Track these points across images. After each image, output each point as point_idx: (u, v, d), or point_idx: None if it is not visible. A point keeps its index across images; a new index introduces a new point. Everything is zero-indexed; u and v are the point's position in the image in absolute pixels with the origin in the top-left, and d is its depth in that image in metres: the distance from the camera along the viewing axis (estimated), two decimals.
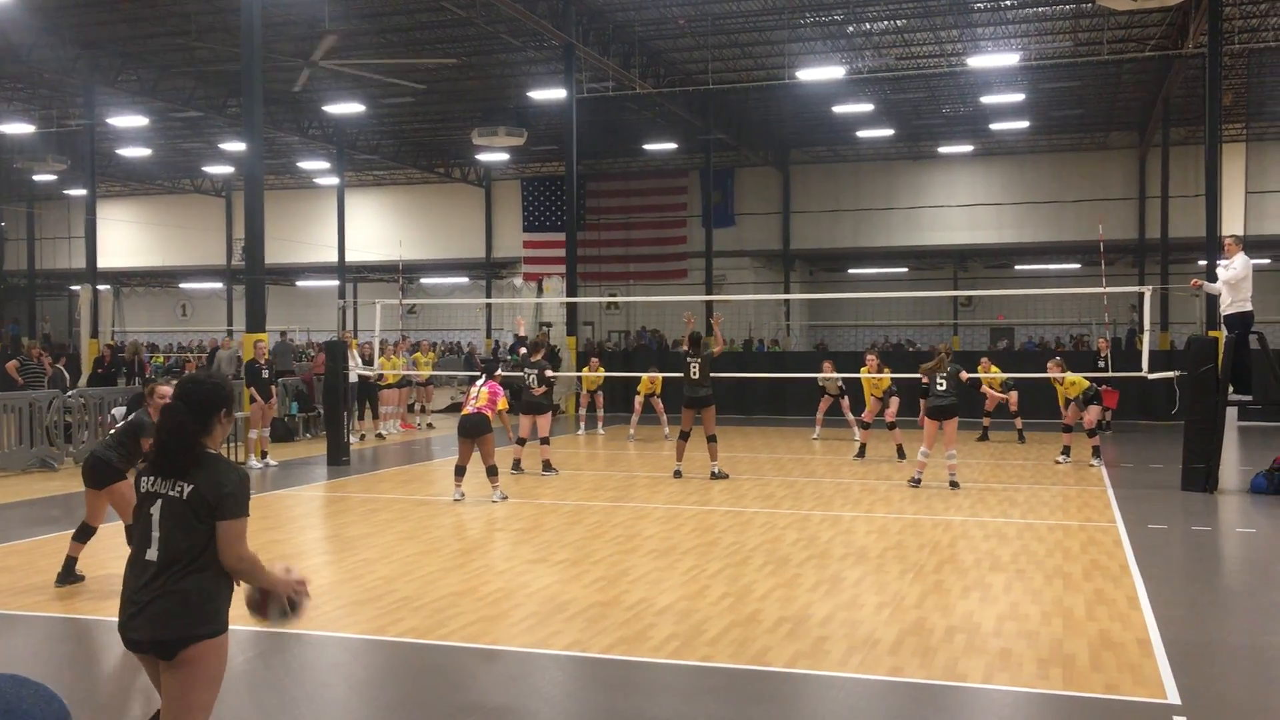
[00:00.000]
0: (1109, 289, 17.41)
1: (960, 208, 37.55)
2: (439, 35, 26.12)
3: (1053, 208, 36.36)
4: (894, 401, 17.29)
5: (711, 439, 14.66)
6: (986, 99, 29.79)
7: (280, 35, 23.93)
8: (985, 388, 16.16)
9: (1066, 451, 16.32)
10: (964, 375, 13.97)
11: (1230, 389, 13.55)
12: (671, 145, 35.60)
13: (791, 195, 39.27)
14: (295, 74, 25.89)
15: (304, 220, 42.94)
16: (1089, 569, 9.00)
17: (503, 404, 12.94)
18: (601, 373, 21.17)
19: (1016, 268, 39.64)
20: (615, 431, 21.69)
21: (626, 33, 25.74)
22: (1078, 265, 37.85)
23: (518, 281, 41.30)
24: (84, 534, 8.64)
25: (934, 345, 14.65)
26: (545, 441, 15.38)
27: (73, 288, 42.00)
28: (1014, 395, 18.66)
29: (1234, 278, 13.18)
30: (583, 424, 21.70)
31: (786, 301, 38.20)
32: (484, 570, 9.09)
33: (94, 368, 23.67)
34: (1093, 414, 16.19)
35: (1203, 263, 22.12)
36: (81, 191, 32.10)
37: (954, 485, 13.55)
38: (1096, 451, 16.11)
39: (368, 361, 20.49)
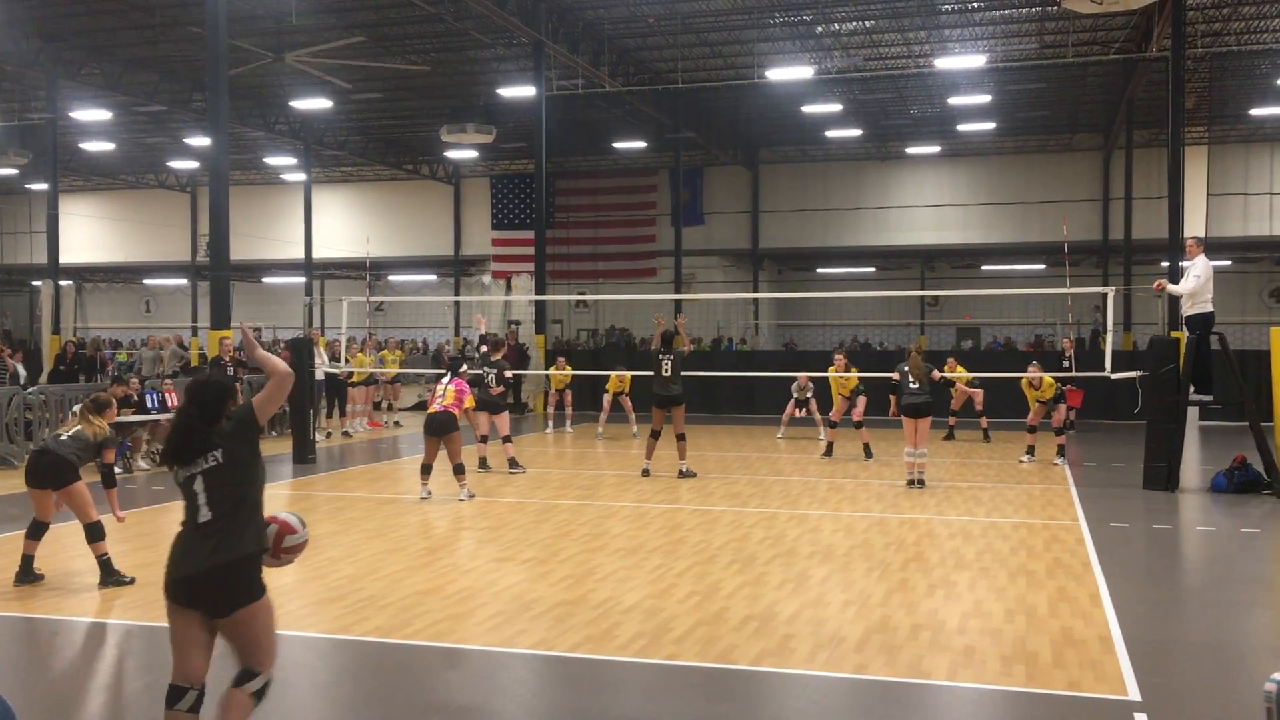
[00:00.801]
0: (1073, 290, 17.56)
1: (927, 208, 37.78)
2: (407, 31, 25.98)
3: (1018, 209, 36.66)
4: (861, 401, 17.39)
5: (680, 438, 14.68)
6: (954, 100, 30.00)
7: (246, 29, 23.72)
8: (959, 386, 16.26)
9: (1031, 451, 16.47)
10: (935, 374, 14.08)
11: (1191, 389, 13.71)
12: (641, 144, 35.59)
13: (760, 194, 39.37)
14: (260, 68, 25.70)
15: (270, 216, 42.59)
16: (1052, 567, 9.09)
17: (469, 402, 12.89)
18: (569, 371, 21.13)
19: (983, 268, 39.93)
20: (584, 430, 21.66)
21: (596, 30, 25.71)
22: (1043, 266, 38.17)
23: (486, 279, 41.17)
24: (37, 531, 8.51)
25: (906, 346, 14.73)
26: (507, 440, 15.35)
27: (34, 283, 41.43)
28: (979, 394, 18.81)
29: (1197, 287, 13.32)
30: (551, 422, 21.67)
31: (755, 300, 38.28)
32: (450, 569, 9.06)
33: (55, 364, 23.36)
34: (1059, 413, 16.41)
35: (1165, 264, 22.37)
36: (43, 186, 31.65)
37: (919, 484, 13.64)
38: (1061, 450, 16.28)
39: (335, 359, 20.35)
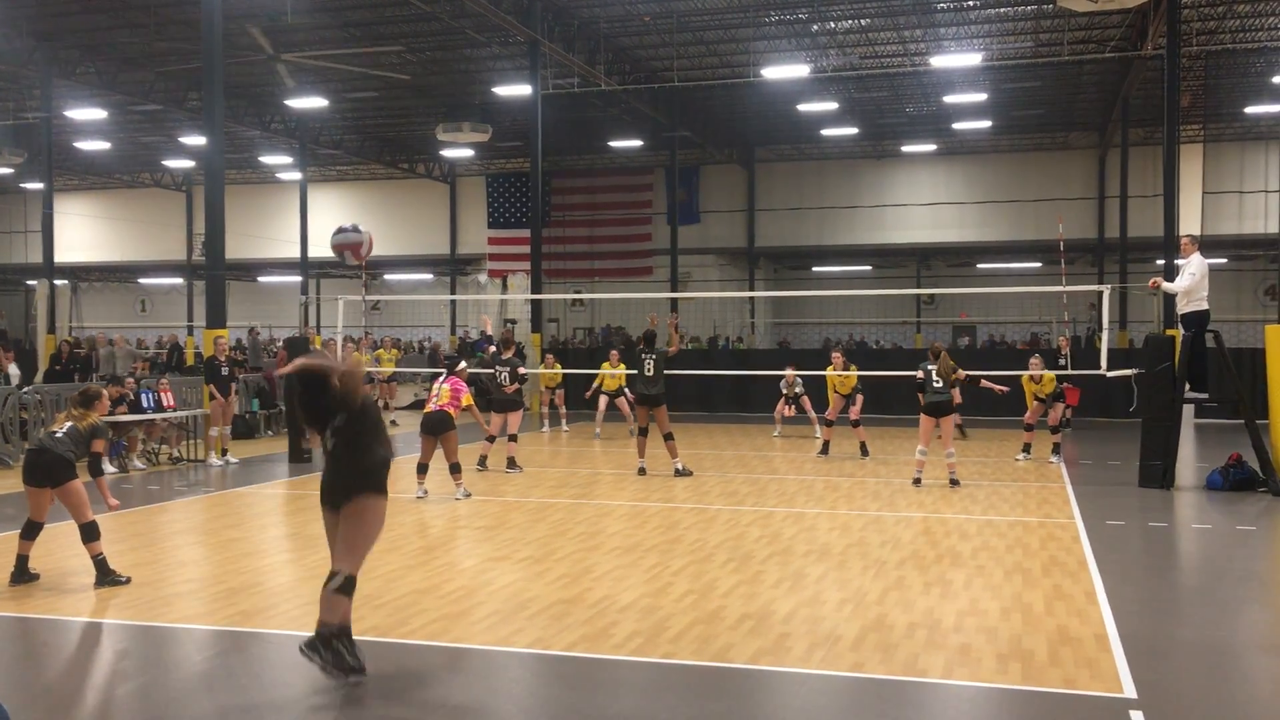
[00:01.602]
0: (1069, 288, 17.61)
1: (923, 206, 37.81)
2: (402, 30, 25.95)
3: (1014, 207, 36.70)
4: (858, 399, 17.39)
5: (668, 437, 14.68)
6: (949, 98, 30.03)
7: (241, 28, 23.68)
8: (984, 383, 16.07)
9: (1027, 449, 16.49)
10: (961, 373, 13.99)
11: (1187, 387, 13.73)
12: (637, 142, 35.58)
13: (756, 193, 39.38)
14: (256, 66, 25.67)
15: (266, 215, 42.56)
16: (1048, 565, 9.10)
17: (466, 400, 12.89)
18: (558, 369, 21.04)
19: (978, 266, 39.97)
20: (581, 429, 21.67)
21: (592, 29, 25.70)
22: (1038, 264, 38.23)
23: (482, 278, 41.17)
24: (31, 530, 8.49)
25: (933, 344, 14.63)
26: (513, 439, 15.35)
27: (29, 283, 41.36)
28: (1003, 389, 18.88)
29: (1193, 285, 13.34)
30: (546, 421, 21.63)
31: (751, 299, 38.29)
32: (446, 568, 9.05)
33: (51, 364, 23.32)
34: (1056, 412, 16.45)
35: (1160, 262, 22.40)
36: (38, 185, 31.60)
37: (954, 483, 13.54)
38: (1056, 449, 16.32)
39: None
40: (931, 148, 37.12)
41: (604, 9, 24.65)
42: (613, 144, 36.08)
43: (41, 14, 24.83)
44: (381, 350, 23.32)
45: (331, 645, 5.94)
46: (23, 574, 8.43)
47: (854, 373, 17.48)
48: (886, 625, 7.22)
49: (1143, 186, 32.92)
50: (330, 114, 33.66)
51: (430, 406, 12.75)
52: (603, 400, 20.38)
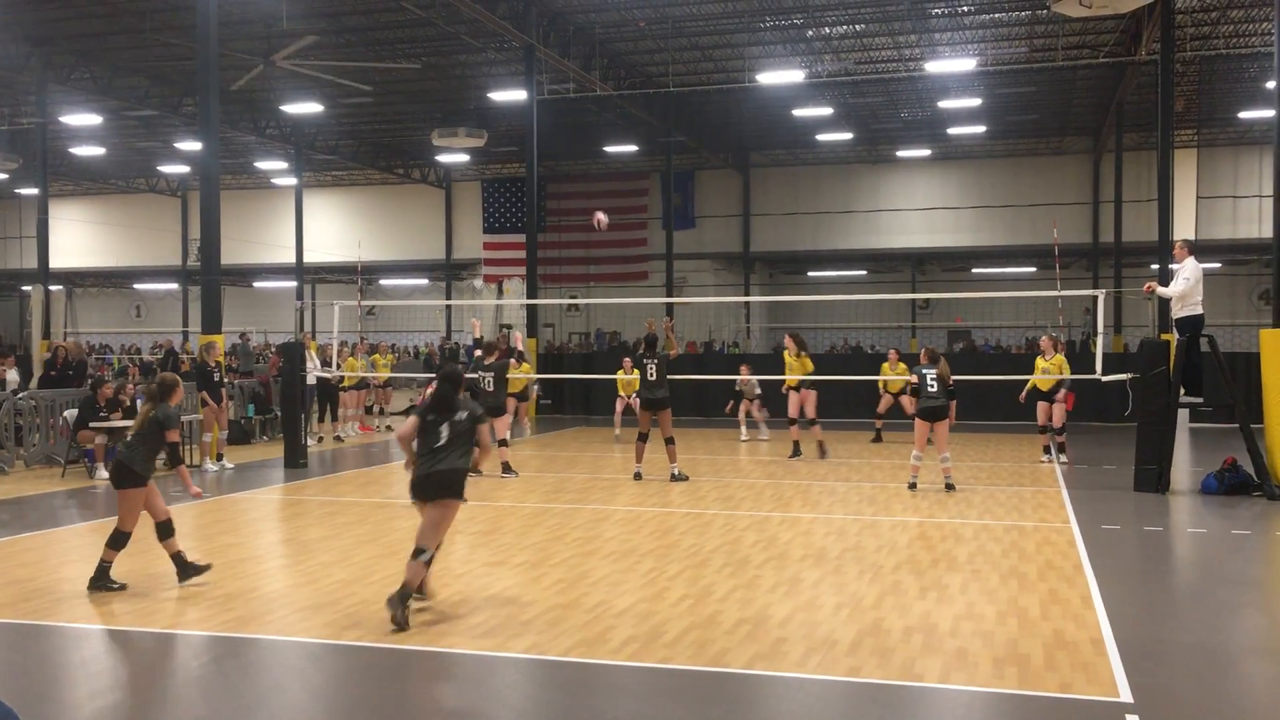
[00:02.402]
0: (1064, 292, 17.63)
1: (918, 211, 37.88)
2: (399, 35, 25.99)
3: (1009, 211, 36.77)
4: (810, 396, 17.34)
5: (669, 441, 14.66)
6: (944, 104, 30.10)
7: (236, 34, 23.72)
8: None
9: (1048, 450, 16.64)
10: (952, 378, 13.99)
11: (1182, 391, 13.75)
12: (632, 147, 35.62)
13: (751, 198, 39.42)
14: (253, 72, 25.65)
15: (261, 220, 42.55)
16: (1044, 569, 9.10)
17: None
18: (525, 370, 20.83)
19: (974, 270, 40.02)
20: (578, 434, 21.65)
21: (587, 35, 25.74)
22: (1033, 269, 38.29)
23: (478, 283, 41.18)
24: (165, 531, 8.52)
25: (928, 347, 14.65)
26: (503, 444, 15.32)
27: (24, 288, 41.33)
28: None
29: (1187, 290, 13.37)
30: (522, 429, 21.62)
31: (746, 304, 38.32)
32: (443, 573, 9.04)
33: (45, 369, 23.27)
34: (1057, 412, 16.65)
35: (1155, 267, 22.45)
36: (33, 190, 31.60)
37: (949, 488, 13.56)
38: (1061, 447, 16.65)
39: (327, 363, 20.29)
40: (926, 153, 37.20)
41: (599, 14, 24.69)
42: (608, 149, 36.12)
43: (37, 20, 24.83)
44: (377, 356, 23.23)
45: (405, 602, 7.32)
46: (103, 580, 8.38)
47: (807, 361, 17.25)
48: (883, 630, 7.22)
49: (1137, 191, 33.01)
50: (326, 119, 33.68)
51: None
52: (619, 402, 20.45)
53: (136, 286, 48.54)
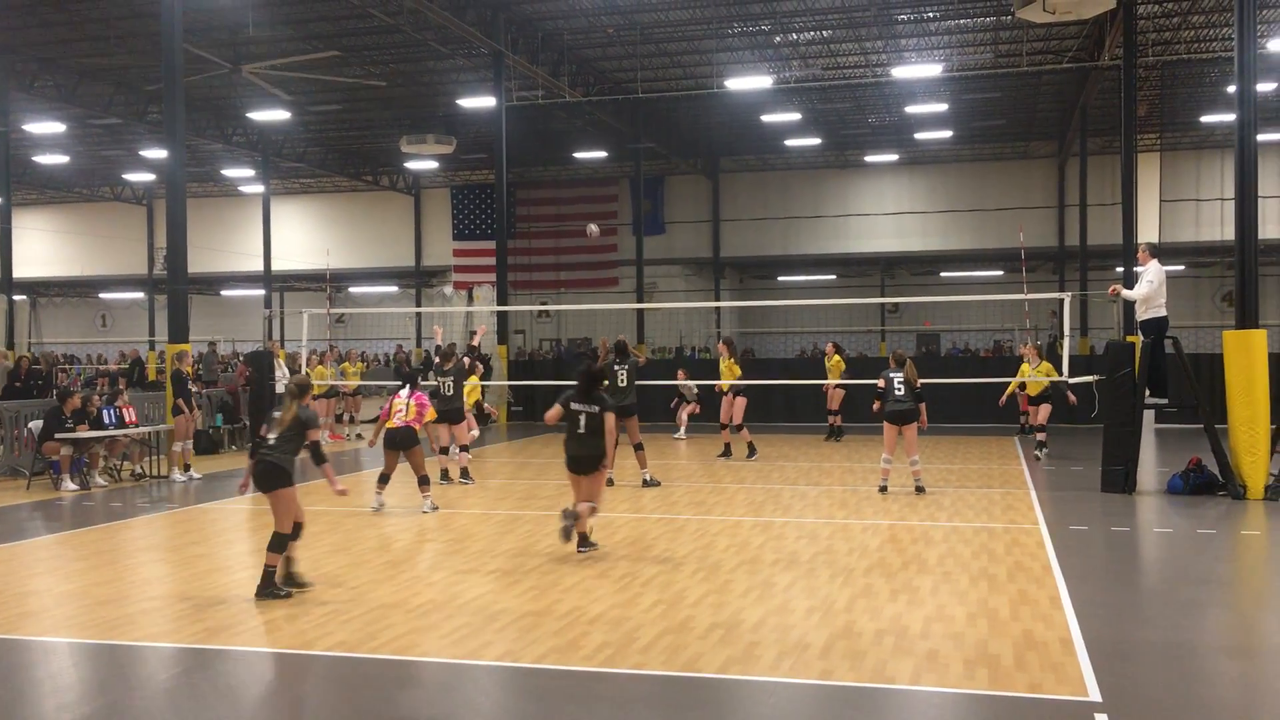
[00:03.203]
0: (1030, 295, 17.82)
1: (887, 216, 38.09)
2: (366, 42, 25.88)
3: (976, 216, 37.04)
4: (740, 403, 17.81)
5: (638, 447, 14.73)
6: (911, 109, 30.31)
7: (201, 41, 23.53)
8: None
9: (1040, 447, 17.48)
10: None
11: (1147, 392, 13.91)
12: (601, 153, 35.64)
13: (721, 203, 39.52)
14: (217, 79, 25.48)
15: (228, 228, 42.24)
16: (1013, 570, 9.18)
17: (430, 415, 12.84)
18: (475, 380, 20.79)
19: (942, 275, 40.29)
20: (550, 439, 21.62)
21: (555, 41, 25.74)
22: (1001, 272, 38.59)
23: (448, 290, 41.04)
24: (295, 531, 8.54)
25: (896, 351, 14.81)
26: (464, 449, 15.26)
27: None
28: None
29: (1151, 292, 13.54)
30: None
31: (717, 309, 38.40)
32: (414, 581, 9.01)
33: (10, 380, 22.98)
34: (1044, 412, 17.50)
35: (1120, 269, 22.69)
36: None
37: (919, 490, 13.64)
38: (1042, 444, 17.48)
39: (296, 371, 20.17)
40: (894, 158, 37.43)
41: (567, 21, 24.70)
42: (578, 155, 36.12)
43: None
44: (347, 364, 23.14)
45: (587, 540, 10.05)
46: (288, 581, 8.51)
47: (734, 366, 17.85)
48: (854, 632, 7.26)
49: (1102, 195, 33.35)
50: (293, 126, 33.49)
51: (395, 422, 12.66)
52: None
53: (102, 296, 48.05)
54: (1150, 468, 15.94)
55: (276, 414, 8.75)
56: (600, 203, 39.89)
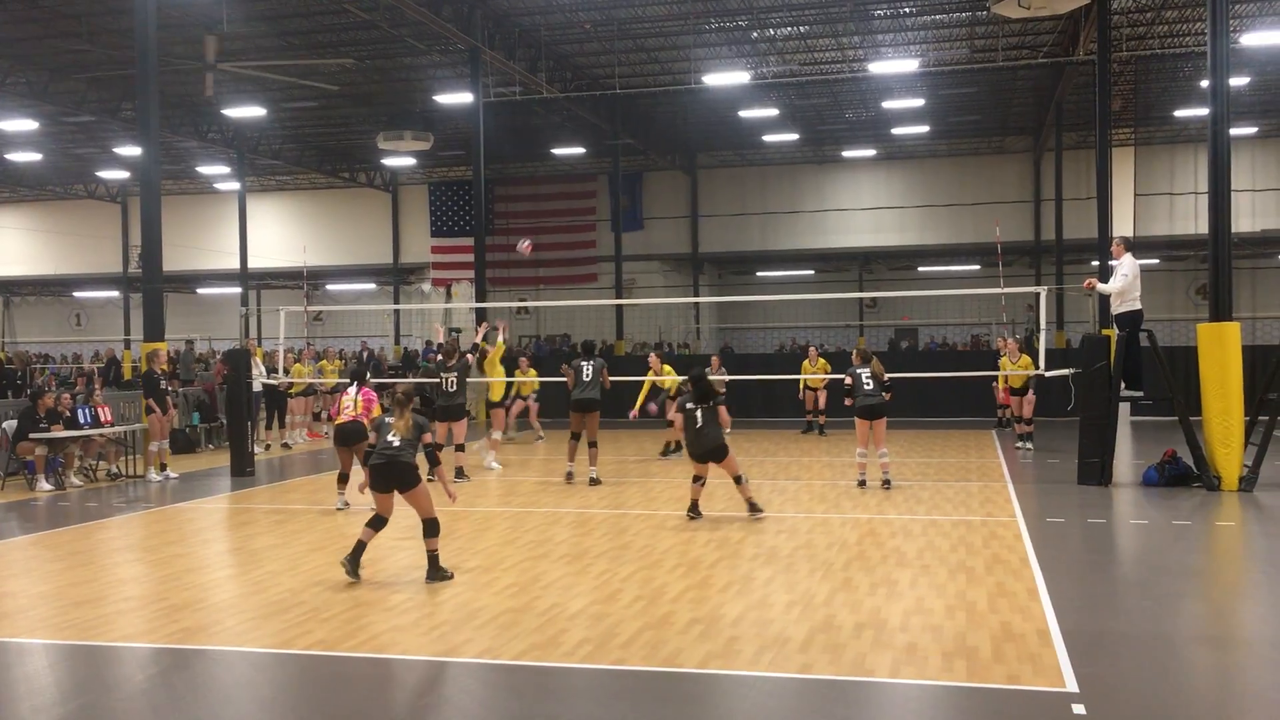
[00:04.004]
0: (1007, 289, 17.91)
1: (864, 211, 38.18)
2: (341, 38, 25.73)
3: (953, 210, 37.17)
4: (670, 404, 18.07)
5: (592, 444, 14.84)
6: (888, 104, 30.39)
7: (175, 37, 23.35)
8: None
9: (1021, 439, 17.84)
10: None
11: (1122, 385, 14.01)
12: (579, 150, 35.57)
13: (699, 199, 39.53)
14: (191, 76, 25.31)
15: (204, 226, 41.95)
16: (991, 563, 9.23)
17: (376, 411, 12.85)
18: (533, 374, 20.94)
19: (919, 269, 40.42)
20: (528, 438, 21.59)
21: (533, 36, 25.67)
22: (977, 266, 38.75)
23: (426, 287, 40.90)
24: (378, 523, 9.03)
25: (859, 348, 14.93)
26: (460, 448, 15.28)
27: None
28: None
29: (1125, 286, 13.64)
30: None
31: (695, 305, 38.42)
32: (393, 579, 8.99)
33: None
34: (1029, 405, 17.85)
35: (1095, 263, 22.82)
36: None
37: (886, 484, 13.74)
38: (1029, 437, 17.81)
39: (274, 370, 20.08)
40: (871, 153, 37.52)
41: (544, 16, 24.63)
42: (556, 151, 36.03)
43: None
44: (324, 361, 23.01)
45: (755, 505, 11.74)
46: (355, 562, 8.86)
47: (668, 375, 18.14)
48: (834, 626, 7.29)
49: (1077, 189, 33.52)
50: (269, 123, 33.28)
51: (342, 418, 12.74)
52: (517, 404, 20.95)
53: (76, 294, 47.63)
54: (1126, 460, 16.06)
55: (389, 419, 9.03)
56: (578, 199, 39.84)
